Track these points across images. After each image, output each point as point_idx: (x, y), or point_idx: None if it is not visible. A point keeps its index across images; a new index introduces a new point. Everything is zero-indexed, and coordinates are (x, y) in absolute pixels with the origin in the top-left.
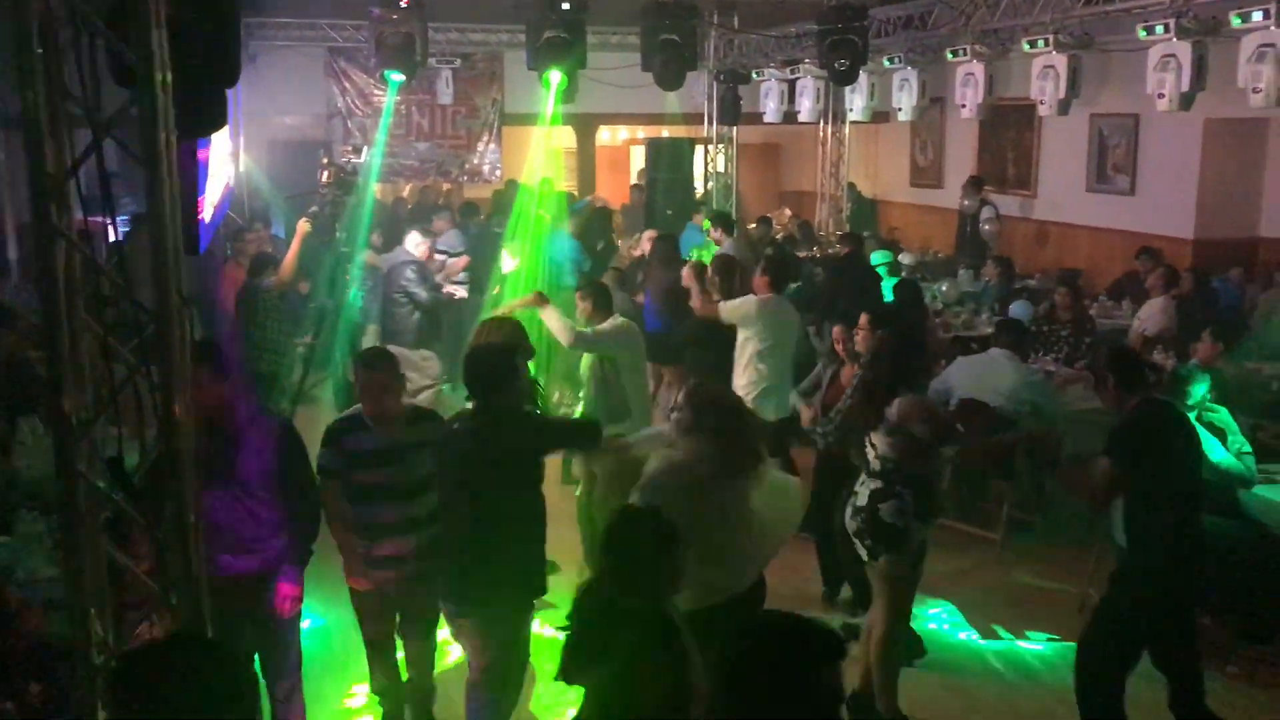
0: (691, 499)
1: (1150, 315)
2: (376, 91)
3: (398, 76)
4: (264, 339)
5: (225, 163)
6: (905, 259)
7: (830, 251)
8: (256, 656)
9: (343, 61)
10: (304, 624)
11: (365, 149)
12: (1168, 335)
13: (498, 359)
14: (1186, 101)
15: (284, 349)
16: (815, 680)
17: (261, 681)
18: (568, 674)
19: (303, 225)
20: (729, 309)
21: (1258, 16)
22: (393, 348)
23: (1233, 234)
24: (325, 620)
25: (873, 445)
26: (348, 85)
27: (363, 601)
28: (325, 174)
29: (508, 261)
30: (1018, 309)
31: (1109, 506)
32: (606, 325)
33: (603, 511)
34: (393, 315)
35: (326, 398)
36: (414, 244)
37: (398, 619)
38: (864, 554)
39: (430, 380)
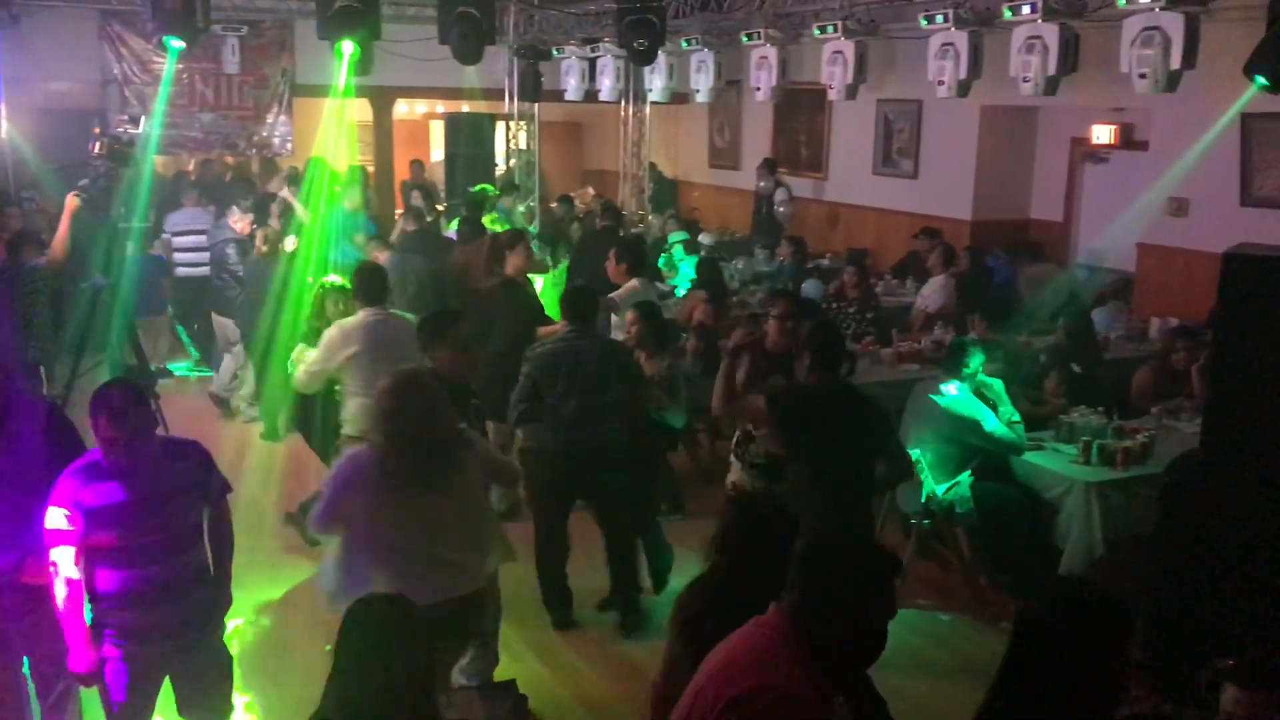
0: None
1: (931, 293)
2: (156, 58)
3: (177, 43)
4: (30, 323)
5: None
6: (704, 239)
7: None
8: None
9: (118, 25)
10: None
11: (143, 119)
12: (947, 311)
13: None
14: (964, 89)
15: (52, 334)
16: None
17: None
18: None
19: (71, 200)
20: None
21: (1026, 10)
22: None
23: (1007, 215)
24: None
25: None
26: (124, 51)
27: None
28: (97, 145)
29: (289, 241)
30: (810, 288)
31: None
32: (320, 347)
33: None
34: (221, 294)
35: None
36: (234, 220)
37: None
38: None
39: None
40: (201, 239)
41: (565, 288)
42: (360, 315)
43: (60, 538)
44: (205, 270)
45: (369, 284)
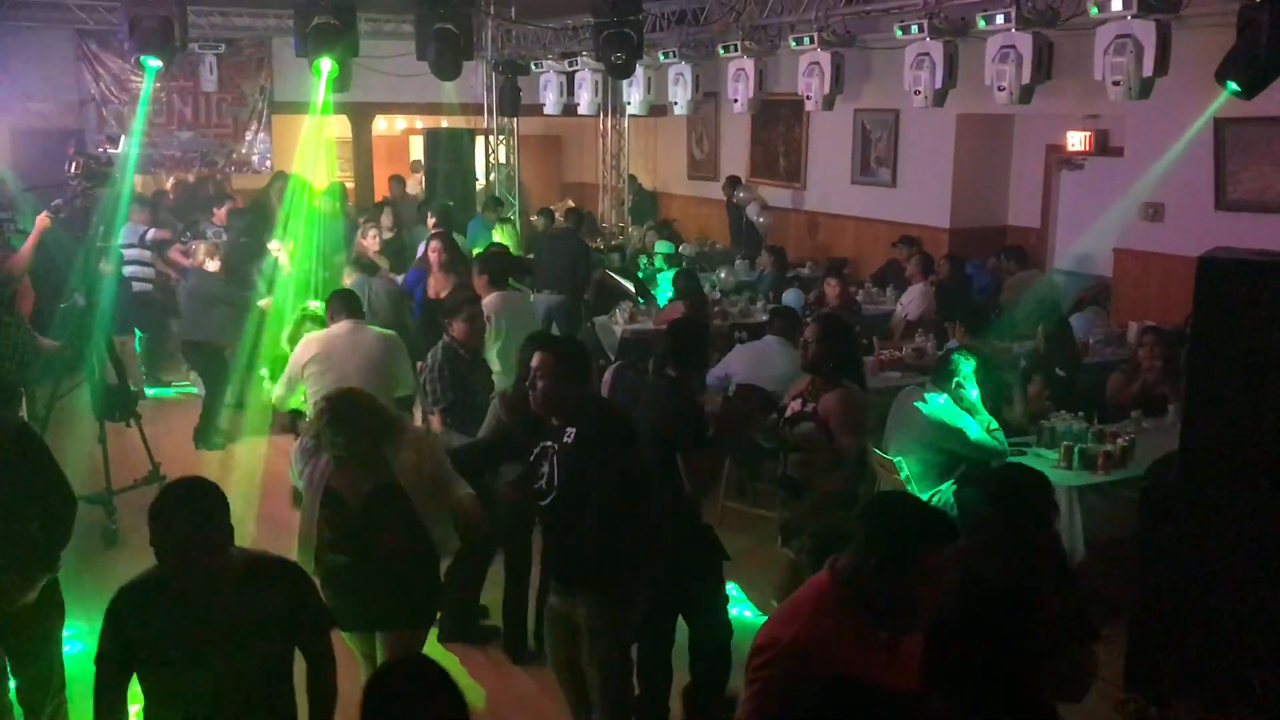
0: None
1: (911, 300)
2: (134, 78)
3: (154, 63)
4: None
5: None
6: (685, 249)
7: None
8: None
9: (94, 45)
10: (67, 649)
11: (122, 139)
12: (928, 319)
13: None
14: (940, 98)
15: (26, 354)
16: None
17: (17, 709)
18: None
19: (42, 219)
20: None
21: (1000, 19)
22: None
23: (984, 223)
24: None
25: None
26: (101, 70)
27: None
28: (73, 165)
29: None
30: (790, 297)
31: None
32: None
33: None
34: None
35: (83, 404)
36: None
37: None
38: None
39: None
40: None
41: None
42: (331, 327)
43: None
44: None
45: (346, 301)
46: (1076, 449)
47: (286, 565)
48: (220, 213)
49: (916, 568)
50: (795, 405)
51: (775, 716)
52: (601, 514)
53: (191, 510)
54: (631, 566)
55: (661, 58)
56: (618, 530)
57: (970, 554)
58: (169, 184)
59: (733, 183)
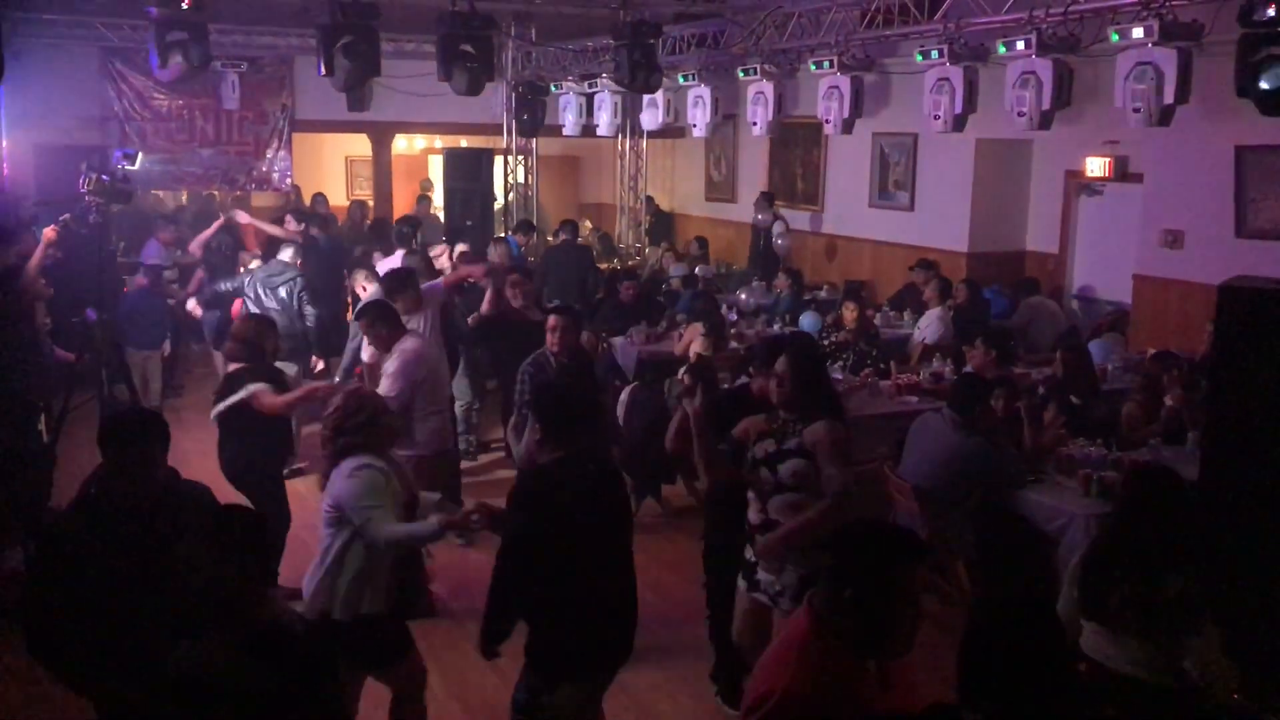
0: None
1: (929, 325)
2: (157, 95)
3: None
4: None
5: None
6: (701, 271)
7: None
8: None
9: (119, 62)
10: None
11: (139, 156)
12: (945, 343)
13: None
14: (959, 123)
15: (21, 368)
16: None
17: None
18: None
19: (48, 233)
20: None
21: (1021, 45)
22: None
23: (1002, 247)
24: None
25: None
26: (125, 88)
27: None
28: (87, 181)
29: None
30: (807, 320)
31: None
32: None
33: None
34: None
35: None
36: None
37: None
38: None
39: None
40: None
41: None
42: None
43: None
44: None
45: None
46: (1095, 477)
47: None
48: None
49: (893, 591)
50: (766, 447)
51: None
52: None
53: None
54: None
55: (681, 80)
56: None
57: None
58: (185, 199)
59: (768, 199)
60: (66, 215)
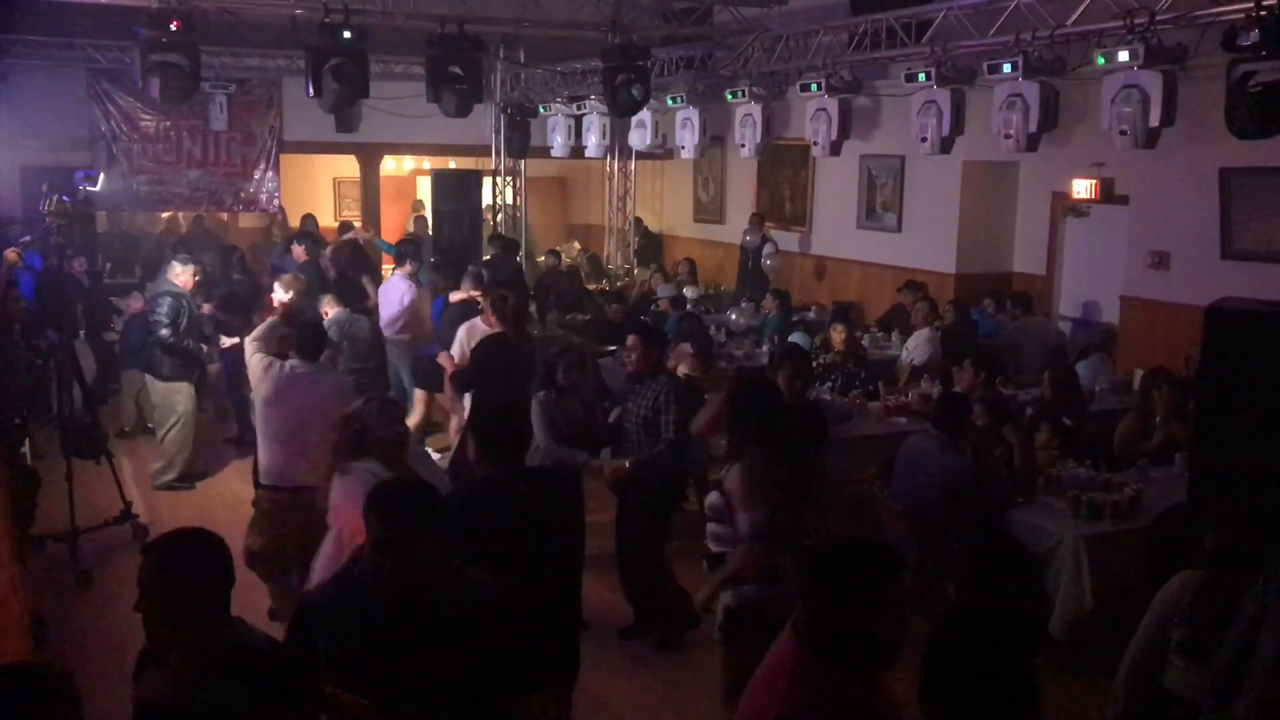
0: None
1: (917, 346)
2: (144, 116)
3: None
4: None
5: None
6: (689, 292)
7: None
8: None
9: (106, 83)
10: None
11: (102, 177)
12: (933, 364)
13: None
14: (946, 145)
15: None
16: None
17: None
18: None
19: (9, 255)
20: None
21: (1007, 68)
22: None
23: (990, 269)
24: None
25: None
26: (112, 109)
27: None
28: (47, 202)
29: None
30: (794, 341)
31: None
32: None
33: None
34: (152, 351)
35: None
36: (174, 274)
37: None
38: None
39: None
40: None
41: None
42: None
43: None
44: None
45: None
46: (1084, 498)
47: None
48: (298, 250)
49: (875, 606)
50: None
51: None
52: None
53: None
54: None
55: (670, 102)
56: None
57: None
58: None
59: (759, 221)
60: (25, 237)
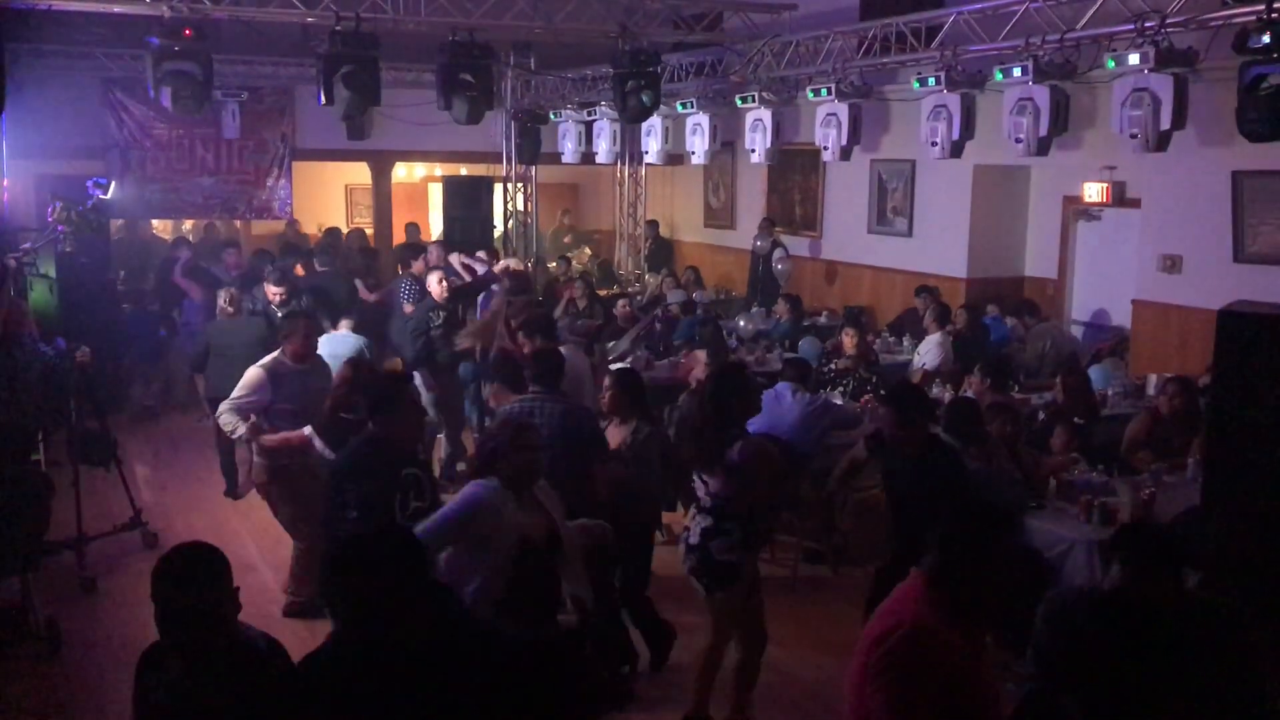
0: None
1: (928, 350)
2: (158, 124)
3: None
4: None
5: None
6: (699, 297)
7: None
8: None
9: (120, 92)
10: None
11: (113, 184)
12: (945, 369)
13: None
14: (957, 149)
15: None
16: None
17: None
18: None
19: (9, 262)
20: None
21: (1017, 72)
22: None
23: (1001, 273)
24: None
25: (704, 482)
26: (126, 117)
27: None
28: (53, 211)
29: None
30: (806, 346)
31: None
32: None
33: None
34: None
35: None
36: (430, 285)
37: None
38: (700, 590)
39: None
40: None
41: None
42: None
43: None
44: None
45: None
46: (1096, 503)
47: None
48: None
49: (992, 561)
50: None
51: (913, 698)
52: None
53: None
54: None
55: (680, 107)
56: None
57: None
58: (187, 227)
59: (769, 226)
60: (27, 245)
